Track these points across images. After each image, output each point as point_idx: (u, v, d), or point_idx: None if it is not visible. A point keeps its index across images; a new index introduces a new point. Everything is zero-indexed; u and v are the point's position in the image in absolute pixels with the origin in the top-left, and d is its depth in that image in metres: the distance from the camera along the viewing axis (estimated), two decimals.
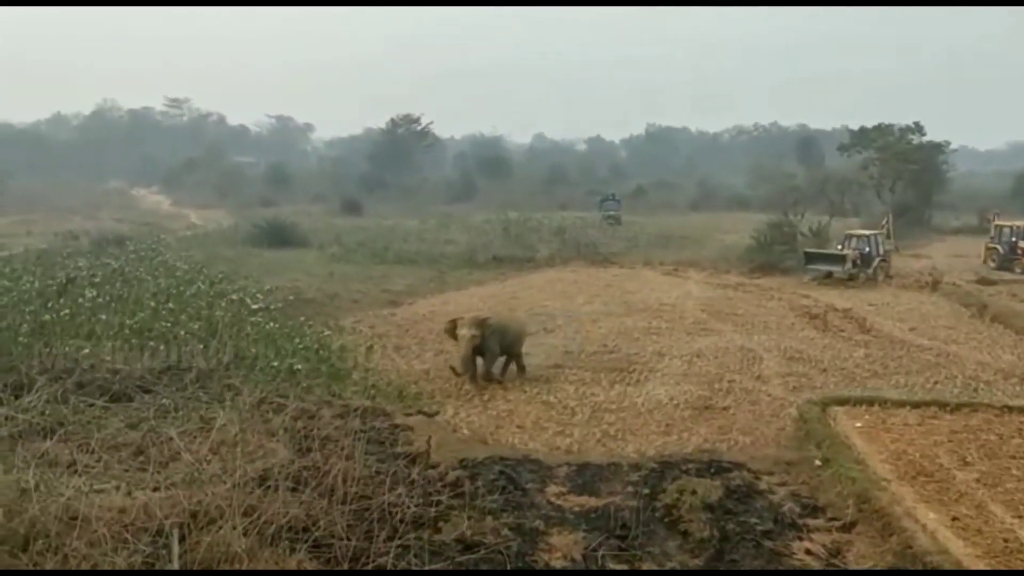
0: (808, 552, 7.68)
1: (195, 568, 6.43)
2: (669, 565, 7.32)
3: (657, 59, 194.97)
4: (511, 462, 9.70)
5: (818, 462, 9.68)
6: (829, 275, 24.93)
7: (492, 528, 7.73)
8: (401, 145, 73.14)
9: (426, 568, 6.86)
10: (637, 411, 12.03)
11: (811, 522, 8.33)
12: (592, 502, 8.68)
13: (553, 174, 71.35)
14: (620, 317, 18.97)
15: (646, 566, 7.23)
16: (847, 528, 8.15)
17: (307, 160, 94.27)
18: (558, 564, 7.31)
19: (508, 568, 7.04)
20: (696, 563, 7.41)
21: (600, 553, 7.43)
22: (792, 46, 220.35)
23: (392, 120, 76.10)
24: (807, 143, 78.23)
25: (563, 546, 7.61)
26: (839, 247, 26.28)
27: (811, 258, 25.52)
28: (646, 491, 8.82)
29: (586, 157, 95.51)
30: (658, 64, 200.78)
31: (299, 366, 12.55)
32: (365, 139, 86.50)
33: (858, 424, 10.96)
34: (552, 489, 9.02)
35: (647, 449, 10.43)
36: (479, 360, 13.65)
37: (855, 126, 49.84)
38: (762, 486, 9.20)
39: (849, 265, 24.60)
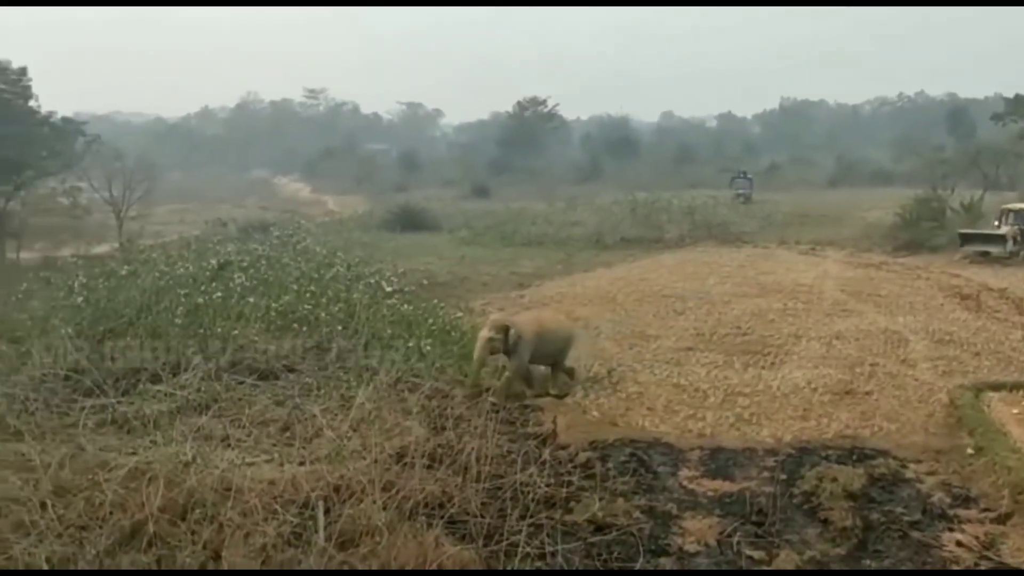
0: (959, 544, 7.26)
1: (339, 540, 6.73)
2: (808, 554, 7.09)
3: (789, 29, 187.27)
4: (642, 445, 9.62)
5: (970, 450, 9.14)
6: (985, 253, 23.34)
7: (624, 510, 7.70)
8: (528, 128, 73.50)
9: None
10: (772, 395, 11.67)
11: (962, 513, 7.86)
12: (726, 487, 8.50)
13: (682, 153, 69.99)
14: (753, 298, 18.44)
15: (784, 554, 7.02)
16: (1002, 520, 7.64)
17: (437, 146, 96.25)
18: (692, 548, 7.21)
19: (641, 549, 7.01)
20: (838, 552, 7.14)
21: (736, 539, 7.29)
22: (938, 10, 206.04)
23: (519, 103, 76.57)
24: (957, 113, 73.44)
25: (697, 530, 7.50)
26: (995, 223, 24.56)
27: (966, 239, 23.93)
28: (783, 477, 8.56)
29: (717, 134, 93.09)
30: (791, 34, 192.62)
31: (431, 347, 12.86)
32: (493, 123, 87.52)
33: (1015, 411, 10.24)
34: (684, 473, 8.90)
35: (783, 434, 10.10)
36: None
37: (1010, 93, 46.33)
38: (908, 475, 8.75)
39: (1010, 244, 22.94)
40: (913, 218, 26.55)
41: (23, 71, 30.02)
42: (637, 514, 7.70)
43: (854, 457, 9.16)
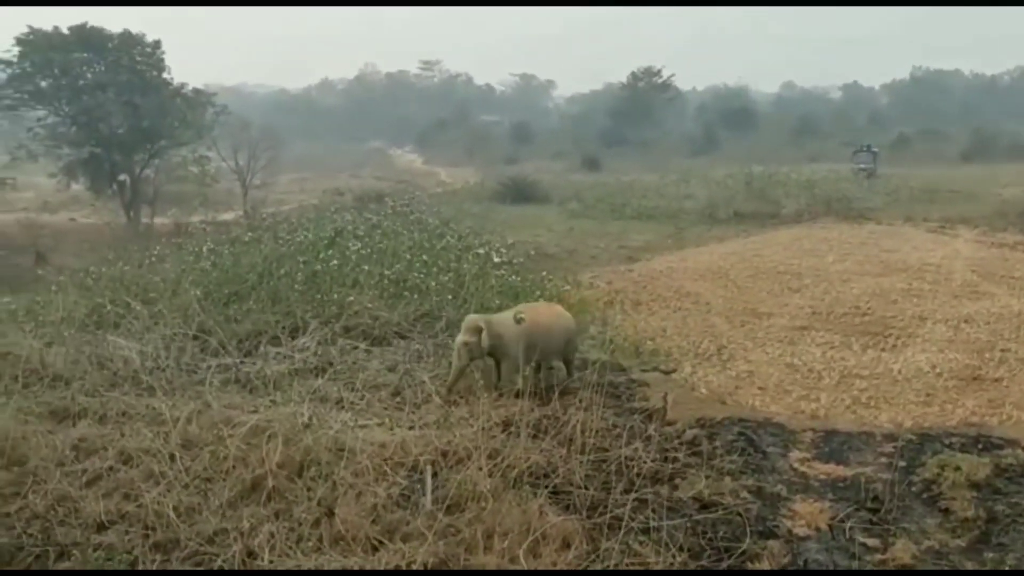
0: None
1: (446, 504, 6.90)
2: (927, 544, 6.80)
3: None
4: (751, 424, 9.39)
5: None
6: None
7: (731, 489, 7.57)
8: (641, 100, 72.26)
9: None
10: (893, 378, 11.18)
11: None
12: (840, 471, 8.22)
13: (803, 125, 67.43)
14: (875, 277, 17.65)
15: (901, 543, 6.76)
16: None
17: (548, 118, 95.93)
18: (802, 532, 7.03)
19: (748, 529, 6.89)
20: (958, 543, 6.82)
21: (848, 524, 7.06)
22: None
23: (633, 74, 75.30)
24: None
25: (807, 514, 7.29)
26: None
27: None
28: (902, 464, 8.20)
29: (841, 106, 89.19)
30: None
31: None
32: (606, 94, 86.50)
33: None
34: (795, 454, 8.65)
35: (903, 419, 9.67)
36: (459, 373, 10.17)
37: None
38: None
39: None
40: None
41: (157, 44, 31.46)
42: (744, 494, 7.56)
43: (980, 446, 8.69)
